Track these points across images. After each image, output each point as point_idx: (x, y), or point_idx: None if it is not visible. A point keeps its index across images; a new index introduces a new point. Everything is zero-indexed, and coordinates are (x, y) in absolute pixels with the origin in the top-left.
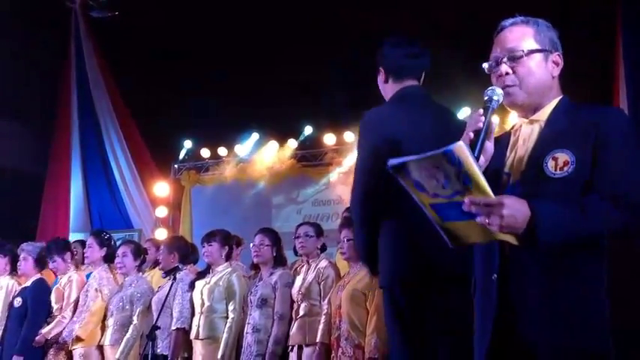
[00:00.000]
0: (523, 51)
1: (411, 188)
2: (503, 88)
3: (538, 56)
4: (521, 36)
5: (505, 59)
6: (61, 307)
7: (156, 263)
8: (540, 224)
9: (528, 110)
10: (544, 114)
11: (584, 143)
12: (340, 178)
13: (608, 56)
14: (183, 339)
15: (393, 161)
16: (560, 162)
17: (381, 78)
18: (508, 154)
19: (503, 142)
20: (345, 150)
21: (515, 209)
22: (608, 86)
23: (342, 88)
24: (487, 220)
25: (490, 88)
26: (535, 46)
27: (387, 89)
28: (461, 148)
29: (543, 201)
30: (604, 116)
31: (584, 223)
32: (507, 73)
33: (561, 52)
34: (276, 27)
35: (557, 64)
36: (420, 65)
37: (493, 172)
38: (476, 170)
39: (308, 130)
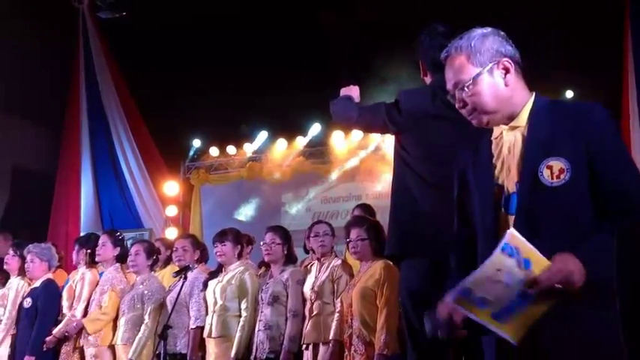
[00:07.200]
0: (465, 82)
1: (472, 312)
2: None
3: (482, 77)
4: (459, 68)
5: (456, 92)
6: (71, 305)
7: (166, 262)
8: (589, 270)
9: (502, 120)
10: (522, 119)
11: (575, 147)
12: (349, 175)
13: (616, 50)
14: (202, 337)
15: (454, 296)
16: (555, 170)
17: (422, 71)
18: (494, 163)
19: (484, 151)
20: (353, 147)
21: (575, 264)
22: (617, 80)
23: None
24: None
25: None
26: (474, 70)
27: (427, 82)
28: (513, 236)
29: (578, 248)
30: (587, 117)
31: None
32: (462, 107)
33: (508, 52)
34: (284, 25)
35: (506, 70)
36: None
37: (482, 185)
38: (532, 249)
39: (316, 127)
